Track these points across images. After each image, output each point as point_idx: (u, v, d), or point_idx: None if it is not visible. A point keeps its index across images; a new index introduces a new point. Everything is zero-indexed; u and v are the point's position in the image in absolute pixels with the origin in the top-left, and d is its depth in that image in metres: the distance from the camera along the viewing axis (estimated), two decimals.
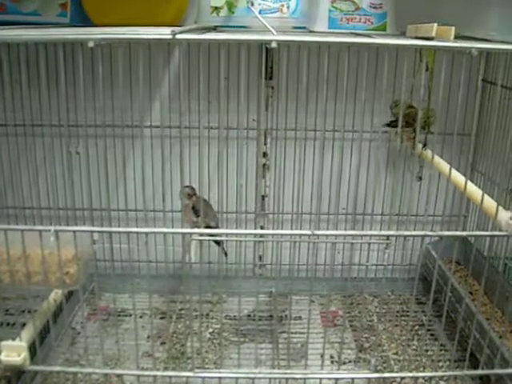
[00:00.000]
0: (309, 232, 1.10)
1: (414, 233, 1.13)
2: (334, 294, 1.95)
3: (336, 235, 1.12)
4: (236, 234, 1.21)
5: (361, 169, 1.80)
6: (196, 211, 1.51)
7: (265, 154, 1.86)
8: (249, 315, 1.82)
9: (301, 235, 1.13)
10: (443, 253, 1.85)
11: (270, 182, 1.89)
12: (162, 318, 1.81)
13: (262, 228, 1.89)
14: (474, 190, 1.21)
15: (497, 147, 1.70)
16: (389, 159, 1.85)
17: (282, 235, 1.19)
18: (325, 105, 1.25)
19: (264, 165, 1.86)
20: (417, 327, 1.77)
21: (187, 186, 1.53)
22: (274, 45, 0.94)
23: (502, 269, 1.73)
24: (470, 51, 0.97)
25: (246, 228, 1.84)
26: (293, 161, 1.73)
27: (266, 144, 1.84)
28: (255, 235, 1.25)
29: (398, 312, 1.86)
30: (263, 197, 1.90)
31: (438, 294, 1.80)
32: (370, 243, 1.13)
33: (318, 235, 1.10)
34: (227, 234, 1.29)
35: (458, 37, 1.10)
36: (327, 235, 1.12)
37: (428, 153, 1.58)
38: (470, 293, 1.77)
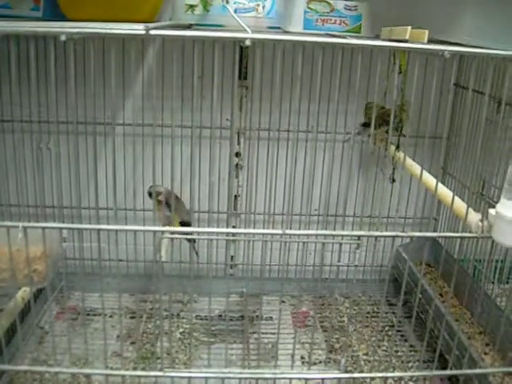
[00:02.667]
0: (280, 231, 1.10)
1: (384, 233, 1.13)
2: (306, 295, 1.96)
3: (307, 235, 1.12)
4: (208, 233, 1.20)
5: (333, 170, 1.83)
6: (169, 206, 1.51)
7: (238, 154, 1.86)
8: (220, 315, 1.82)
9: (272, 234, 1.13)
10: (414, 255, 1.88)
11: (242, 182, 1.89)
12: (132, 318, 1.79)
13: (234, 228, 1.89)
14: (445, 192, 1.22)
15: (468, 151, 1.72)
16: (361, 161, 1.86)
17: (253, 234, 1.19)
18: (298, 105, 1.25)
19: (237, 164, 1.86)
20: (387, 328, 1.79)
21: (157, 185, 1.53)
22: (248, 43, 0.94)
23: (472, 271, 1.75)
24: (443, 54, 0.98)
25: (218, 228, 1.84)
26: (266, 161, 1.73)
27: (239, 144, 1.85)
28: (227, 234, 1.24)
29: (368, 313, 1.87)
30: (236, 196, 1.90)
31: (408, 296, 1.82)
32: (341, 243, 1.13)
33: (289, 234, 1.10)
34: (199, 233, 1.28)
35: (431, 40, 1.11)
36: (298, 235, 1.12)
37: (400, 155, 1.60)
38: (440, 295, 1.79)
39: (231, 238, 1.21)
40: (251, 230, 1.17)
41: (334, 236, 1.12)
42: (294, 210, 1.85)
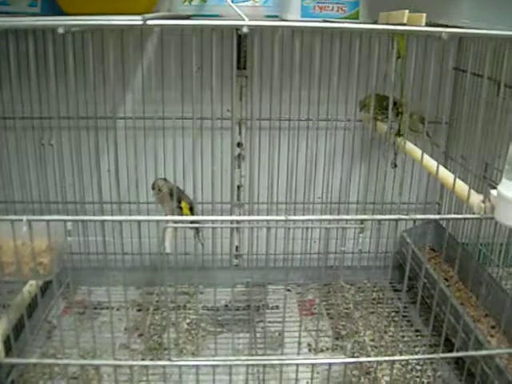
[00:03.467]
0: (283, 217, 1.11)
1: (387, 217, 1.14)
2: (311, 283, 1.97)
3: (310, 220, 1.13)
4: (212, 221, 1.20)
5: (335, 157, 1.83)
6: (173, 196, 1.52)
7: (239, 144, 1.87)
8: (226, 305, 1.83)
9: (275, 221, 1.14)
10: (418, 240, 1.89)
11: (245, 172, 1.90)
12: (138, 311, 1.81)
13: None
14: (447, 175, 1.22)
15: (469, 135, 1.72)
16: (363, 147, 1.87)
17: (256, 221, 1.20)
18: (298, 93, 1.26)
19: (239, 155, 1.87)
20: (393, 314, 1.80)
21: (159, 178, 1.53)
22: (245, 30, 0.94)
23: (477, 254, 1.76)
24: (441, 36, 0.98)
25: None
26: (267, 150, 1.73)
27: (240, 134, 1.85)
28: (231, 222, 1.25)
29: (374, 299, 1.89)
30: (238, 187, 1.91)
31: (413, 281, 1.83)
32: (344, 228, 1.14)
33: (292, 220, 1.11)
34: (203, 221, 1.29)
35: (429, 24, 1.12)
36: (301, 220, 1.13)
37: (402, 140, 1.60)
38: (445, 279, 1.79)
39: (235, 225, 1.21)
40: (255, 217, 1.17)
41: (337, 221, 1.13)
42: (297, 198, 1.84)
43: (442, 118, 1.43)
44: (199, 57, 1.61)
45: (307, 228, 1.20)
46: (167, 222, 1.22)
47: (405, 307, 1.82)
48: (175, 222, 1.23)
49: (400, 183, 1.68)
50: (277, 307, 1.83)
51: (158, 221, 1.20)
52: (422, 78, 1.31)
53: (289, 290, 1.93)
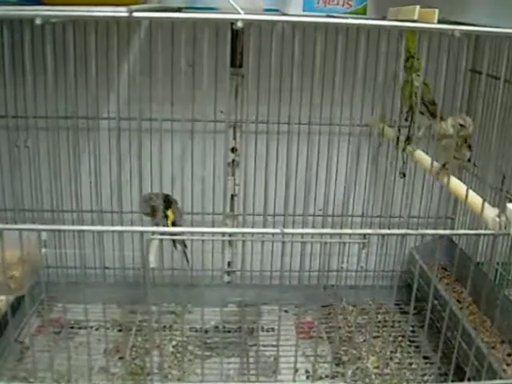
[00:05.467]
0: (278, 230, 1.11)
1: (392, 231, 1.14)
2: (310, 303, 1.97)
3: (308, 234, 1.13)
4: (202, 233, 1.21)
5: (338, 165, 1.83)
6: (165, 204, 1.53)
7: (233, 150, 1.87)
8: (216, 327, 1.83)
9: (271, 234, 1.14)
10: (428, 257, 1.89)
11: (239, 180, 1.90)
12: (119, 331, 1.81)
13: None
14: (459, 186, 1.23)
15: (485, 142, 1.73)
16: (369, 155, 1.88)
17: (250, 234, 1.20)
18: (299, 95, 1.26)
19: (233, 161, 1.88)
20: (399, 338, 1.80)
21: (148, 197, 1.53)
22: (240, 25, 0.95)
23: (492, 274, 1.76)
24: (453, 33, 0.99)
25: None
26: (264, 156, 1.73)
27: (235, 138, 1.86)
28: (223, 234, 1.25)
29: (379, 322, 1.89)
30: (232, 196, 1.92)
31: (422, 303, 1.83)
32: (345, 242, 1.14)
33: (289, 234, 1.11)
34: (192, 233, 1.30)
35: (442, 21, 1.12)
36: (298, 234, 1.13)
37: (411, 148, 1.60)
38: (458, 301, 1.79)
39: (227, 238, 1.21)
40: (248, 230, 1.17)
41: (337, 235, 1.13)
42: (296, 210, 1.85)
43: None
44: (191, 53, 1.62)
45: (305, 242, 1.19)
46: (152, 233, 1.23)
47: (412, 331, 1.82)
48: (161, 233, 1.23)
49: (408, 194, 1.68)
50: (272, 329, 1.84)
51: (142, 232, 1.20)
52: (435, 80, 1.32)
53: (285, 311, 1.94)
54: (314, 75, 1.57)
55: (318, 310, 1.95)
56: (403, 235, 1.15)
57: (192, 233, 1.37)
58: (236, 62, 1.77)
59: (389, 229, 1.17)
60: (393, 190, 1.77)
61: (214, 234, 1.27)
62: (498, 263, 1.76)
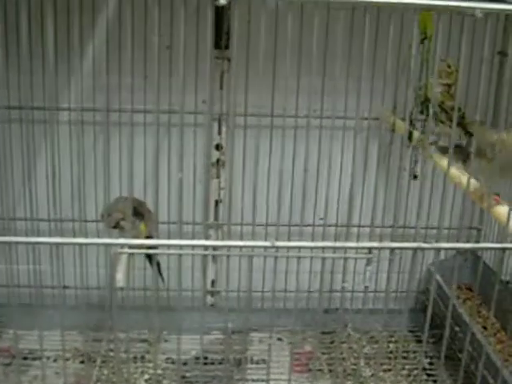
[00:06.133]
0: (269, 243, 1.12)
1: (402, 244, 1.15)
2: (309, 330, 1.99)
3: (303, 247, 1.14)
4: (179, 246, 1.22)
5: (343, 166, 1.84)
6: (138, 215, 1.54)
7: (218, 147, 1.89)
8: (197, 358, 1.83)
9: (260, 247, 1.15)
10: (450, 276, 1.89)
11: (225, 184, 1.92)
12: (82, 362, 1.82)
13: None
14: (480, 192, 1.25)
15: None
16: (379, 154, 1.89)
17: (237, 247, 1.21)
18: (296, 82, 1.27)
19: (217, 160, 1.89)
20: (415, 372, 1.82)
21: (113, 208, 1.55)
22: (222, 1, 0.96)
23: None
24: (474, 13, 1.00)
25: None
26: (254, 155, 1.74)
27: (220, 133, 1.88)
28: (205, 248, 1.26)
29: (391, 353, 1.91)
30: (217, 202, 1.94)
31: (442, 329, 1.84)
32: (346, 258, 1.16)
33: (280, 247, 1.12)
34: (168, 246, 1.31)
35: None
36: (292, 247, 1.14)
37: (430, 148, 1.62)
38: (484, 327, 1.82)
39: (210, 252, 1.22)
40: (234, 242, 1.19)
41: (337, 249, 1.14)
42: (292, 219, 1.87)
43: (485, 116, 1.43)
44: (168, 33, 1.63)
45: (300, 258, 1.20)
46: (122, 246, 1.23)
47: (430, 363, 1.84)
48: (131, 246, 1.24)
49: (420, 201, 1.69)
50: (263, 361, 1.86)
51: (107, 244, 1.20)
52: (458, 66, 1.33)
53: (279, 339, 1.96)
54: (313, 58, 1.60)
55: (318, 337, 1.97)
56: (415, 249, 1.16)
57: (168, 246, 1.36)
58: (221, 43, 1.77)
59: (401, 242, 1.17)
60: (407, 195, 1.78)
61: (194, 247, 1.27)
62: None
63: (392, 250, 1.16)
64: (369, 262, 1.15)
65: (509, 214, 1.14)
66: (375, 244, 1.14)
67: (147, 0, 1.44)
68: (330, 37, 1.36)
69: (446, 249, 1.19)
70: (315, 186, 1.83)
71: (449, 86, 1.48)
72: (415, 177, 1.76)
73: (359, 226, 1.89)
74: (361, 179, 1.81)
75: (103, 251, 1.21)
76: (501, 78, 1.88)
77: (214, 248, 1.28)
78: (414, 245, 1.15)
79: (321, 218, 1.93)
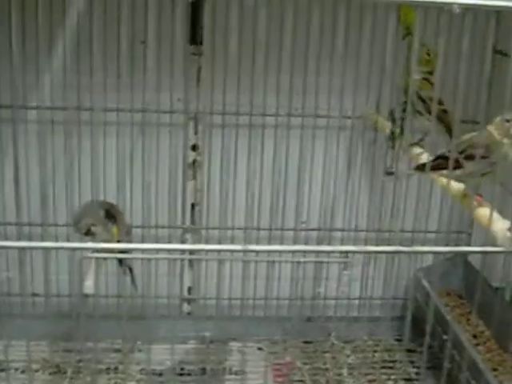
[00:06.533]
0: (240, 247, 1.12)
1: (378, 248, 1.14)
2: (290, 339, 2.00)
3: (275, 251, 1.14)
4: (155, 251, 1.24)
5: (326, 167, 1.86)
6: (110, 218, 1.55)
7: (195, 147, 1.91)
8: (173, 368, 1.85)
9: (228, 251, 1.17)
10: (440, 282, 1.94)
11: (201, 186, 1.94)
12: (52, 374, 1.83)
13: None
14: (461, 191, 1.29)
15: None
16: (363, 153, 1.93)
17: (215, 251, 1.21)
18: (275, 79, 1.29)
19: (194, 162, 1.92)
20: (402, 383, 1.84)
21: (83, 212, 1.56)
22: None
23: None
24: (450, 8, 1.04)
25: None
26: (233, 156, 1.76)
27: (196, 133, 1.90)
28: (181, 252, 1.27)
29: (375, 363, 1.93)
30: (193, 205, 1.96)
31: (431, 339, 1.86)
32: (322, 262, 1.16)
33: (252, 251, 1.12)
34: (142, 251, 1.31)
35: None
36: (264, 251, 1.15)
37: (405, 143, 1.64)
38: (474, 336, 1.85)
39: (186, 257, 1.24)
40: (207, 246, 1.21)
41: (313, 253, 1.14)
42: (275, 222, 1.88)
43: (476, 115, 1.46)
44: (143, 28, 1.65)
45: (270, 262, 1.21)
46: (92, 251, 1.24)
47: (417, 373, 1.86)
48: (98, 250, 1.25)
49: (395, 204, 1.68)
50: (241, 372, 1.86)
51: (73, 249, 1.22)
52: (447, 64, 1.36)
53: (259, 349, 1.98)
54: (295, 54, 1.63)
55: (300, 347, 1.99)
56: (393, 253, 1.18)
57: (143, 250, 1.37)
58: (197, 38, 1.79)
59: (376, 245, 1.19)
60: (393, 197, 1.80)
61: (170, 251, 1.28)
62: None
63: (369, 253, 1.18)
64: (346, 266, 1.16)
65: (490, 216, 1.17)
66: (351, 248, 1.15)
67: None
68: (311, 32, 1.39)
69: (423, 252, 1.21)
70: (297, 188, 1.84)
71: (429, 73, 1.51)
72: (391, 174, 1.77)
73: (342, 230, 1.91)
74: (344, 181, 1.82)
75: (72, 256, 1.21)
76: (495, 75, 1.90)
77: (191, 252, 1.28)
78: (391, 248, 1.15)
79: (303, 222, 1.96)
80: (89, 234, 1.52)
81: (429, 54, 1.55)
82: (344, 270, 1.19)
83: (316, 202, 1.87)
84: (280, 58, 1.23)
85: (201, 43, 1.81)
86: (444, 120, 1.50)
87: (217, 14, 1.66)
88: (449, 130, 1.50)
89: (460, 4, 1.04)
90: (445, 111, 1.51)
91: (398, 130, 1.59)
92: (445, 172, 1.26)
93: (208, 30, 1.80)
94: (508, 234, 1.15)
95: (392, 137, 1.61)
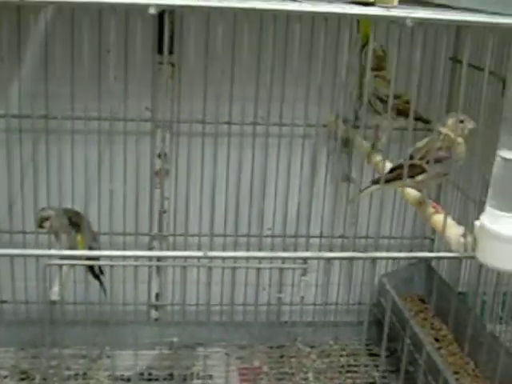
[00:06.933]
0: (200, 253, 1.16)
1: (336, 254, 1.17)
2: (257, 345, 2.02)
3: (235, 257, 1.18)
4: (122, 257, 1.27)
5: (291, 174, 1.88)
6: (73, 225, 1.56)
7: (162, 155, 1.93)
8: (141, 374, 1.87)
9: (190, 258, 1.21)
10: (403, 287, 1.97)
11: (169, 193, 1.97)
12: (21, 380, 1.84)
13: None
14: (417, 198, 1.32)
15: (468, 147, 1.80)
16: (328, 161, 1.96)
17: (182, 258, 1.23)
18: (242, 89, 1.30)
19: (160, 170, 1.94)
20: None
21: (44, 209, 1.57)
22: (152, 11, 0.99)
23: (479, 308, 1.86)
24: (405, 22, 1.06)
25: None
26: (200, 164, 1.78)
27: (163, 141, 1.92)
28: (149, 258, 1.28)
29: (342, 367, 1.96)
30: (161, 213, 1.98)
31: (395, 343, 1.88)
32: (281, 268, 1.18)
33: (212, 258, 1.16)
34: (111, 257, 1.32)
35: (420, 1, 1.19)
36: (223, 258, 1.18)
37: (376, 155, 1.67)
38: (436, 339, 1.89)
39: (154, 263, 1.25)
40: (174, 253, 1.22)
41: (271, 259, 1.16)
42: (240, 229, 1.91)
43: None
44: (109, 36, 1.67)
45: (234, 268, 1.22)
46: (56, 258, 1.25)
47: (383, 377, 1.90)
48: (63, 257, 1.25)
49: (354, 211, 1.70)
50: (209, 377, 1.89)
51: (37, 256, 1.24)
52: (408, 72, 1.39)
53: (226, 354, 1.99)
54: (261, 65, 1.65)
55: (267, 352, 2.01)
56: (350, 259, 1.20)
57: (111, 257, 1.39)
58: (164, 47, 1.79)
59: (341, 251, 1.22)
60: (357, 204, 1.82)
61: (137, 258, 1.30)
62: (484, 293, 1.85)
63: (329, 259, 1.19)
64: (304, 272, 1.18)
65: (444, 222, 1.20)
66: (309, 254, 1.17)
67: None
68: (277, 43, 1.41)
69: (379, 258, 1.22)
70: (263, 195, 1.86)
71: (382, 68, 1.54)
72: (348, 180, 1.80)
73: (309, 237, 1.94)
74: (310, 188, 1.84)
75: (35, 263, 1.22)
76: (453, 83, 1.94)
77: (158, 259, 1.29)
78: (347, 254, 1.18)
79: (269, 228, 1.99)
80: (43, 226, 1.53)
81: (383, 51, 1.58)
82: (302, 275, 1.20)
83: (281, 208, 1.88)
84: (247, 69, 1.25)
85: (170, 53, 1.83)
86: (408, 111, 1.52)
87: (184, 24, 1.68)
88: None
89: (413, 18, 1.06)
90: (407, 102, 1.53)
91: (358, 138, 1.62)
92: (407, 181, 1.29)
93: (176, 39, 1.83)
94: (462, 239, 1.18)
95: (346, 143, 1.63)
